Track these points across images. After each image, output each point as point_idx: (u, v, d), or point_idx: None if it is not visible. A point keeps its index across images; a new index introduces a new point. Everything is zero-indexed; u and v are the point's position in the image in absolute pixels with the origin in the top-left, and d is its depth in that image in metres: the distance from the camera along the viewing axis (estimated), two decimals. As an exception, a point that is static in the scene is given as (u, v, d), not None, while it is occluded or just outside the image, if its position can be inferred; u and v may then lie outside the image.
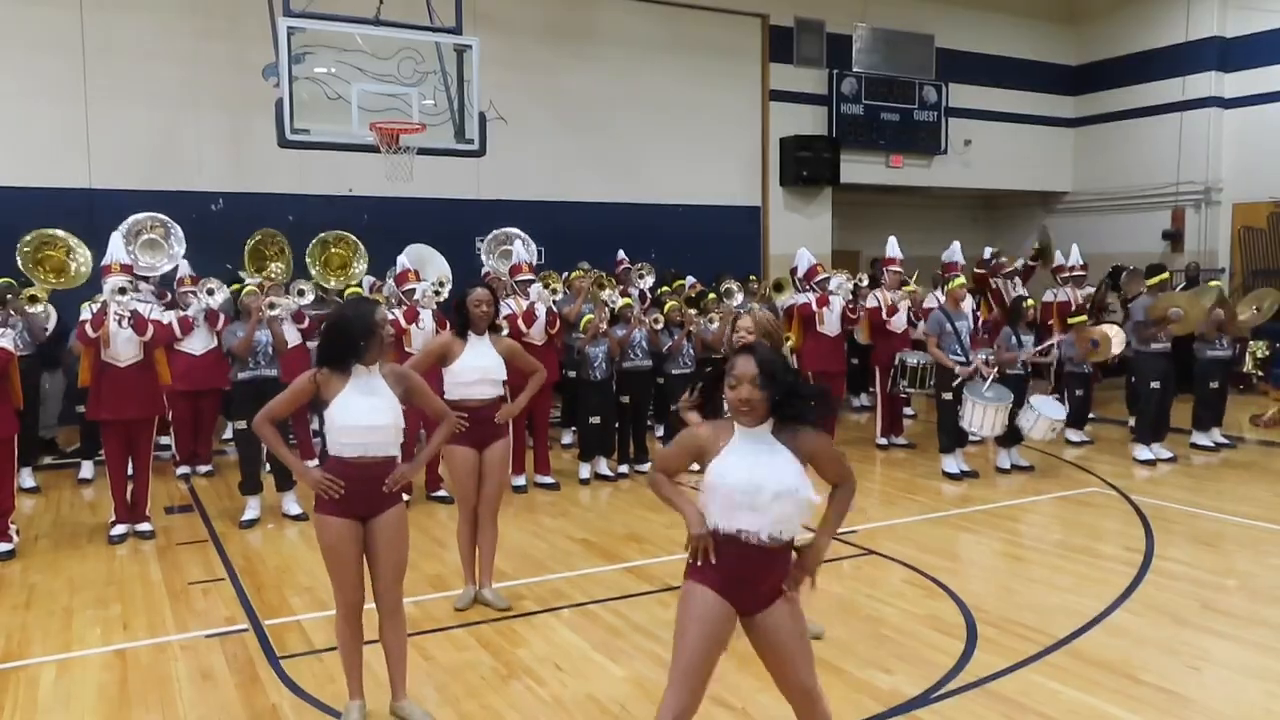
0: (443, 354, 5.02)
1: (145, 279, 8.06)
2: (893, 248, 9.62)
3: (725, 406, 2.93)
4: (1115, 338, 9.20)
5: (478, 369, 4.96)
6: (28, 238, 8.25)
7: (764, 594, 2.87)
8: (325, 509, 3.65)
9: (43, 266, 8.40)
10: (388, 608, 3.80)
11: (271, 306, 6.96)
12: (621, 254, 10.47)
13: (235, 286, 8.96)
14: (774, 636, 2.89)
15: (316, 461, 7.25)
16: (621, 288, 9.37)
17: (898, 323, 9.40)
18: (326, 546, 3.68)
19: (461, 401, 4.92)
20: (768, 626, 2.89)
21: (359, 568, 3.71)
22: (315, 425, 7.79)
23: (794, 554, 2.93)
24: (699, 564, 2.86)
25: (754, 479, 2.78)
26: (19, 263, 8.23)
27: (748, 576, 2.84)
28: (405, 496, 6.88)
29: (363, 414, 3.60)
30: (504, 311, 7.38)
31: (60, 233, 8.45)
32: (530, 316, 7.77)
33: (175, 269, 8.60)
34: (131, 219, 8.58)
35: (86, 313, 6.48)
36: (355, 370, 3.65)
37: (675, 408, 8.10)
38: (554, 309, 8.19)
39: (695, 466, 2.98)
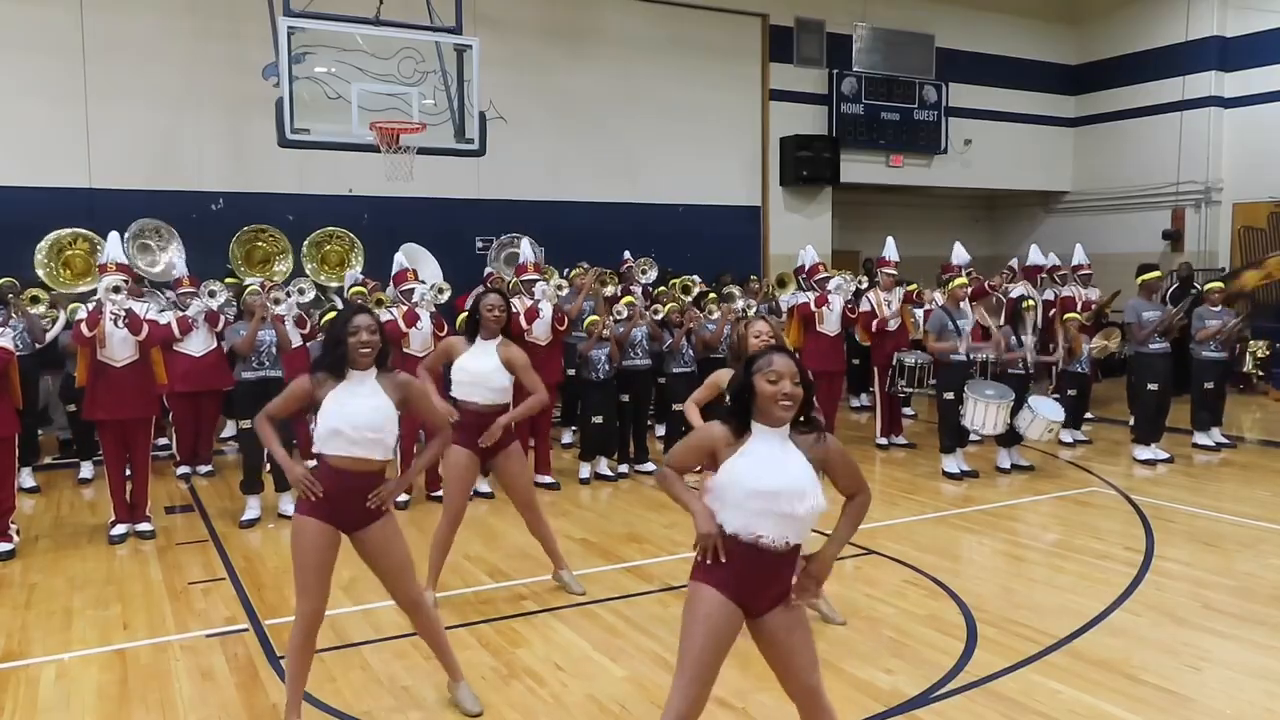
0: (446, 354, 5.11)
1: (141, 281, 8.08)
2: (890, 250, 9.62)
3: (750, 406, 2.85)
4: (1100, 340, 9.27)
5: (470, 371, 4.97)
6: (43, 244, 8.27)
7: (772, 596, 2.85)
8: (304, 509, 3.62)
9: (70, 268, 8.41)
10: (406, 605, 3.81)
11: (276, 303, 6.96)
12: (627, 254, 10.42)
13: (230, 280, 9.01)
14: (782, 638, 2.86)
15: (316, 462, 7.26)
16: (623, 286, 9.37)
17: (892, 322, 9.40)
18: (297, 547, 3.62)
19: (463, 403, 4.99)
20: (776, 628, 2.86)
21: (325, 576, 3.65)
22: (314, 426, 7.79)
23: (801, 561, 2.91)
24: (708, 563, 2.82)
25: (772, 481, 2.74)
26: (38, 266, 8.24)
27: (757, 579, 2.81)
28: (405, 496, 6.94)
29: (349, 414, 3.55)
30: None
31: (84, 232, 8.48)
32: (533, 314, 7.76)
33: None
34: (139, 223, 8.60)
35: (82, 312, 6.48)
36: (350, 375, 3.61)
37: (678, 406, 8.20)
38: (561, 307, 8.19)
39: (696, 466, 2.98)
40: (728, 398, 2.95)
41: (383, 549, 3.70)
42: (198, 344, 7.91)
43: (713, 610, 2.80)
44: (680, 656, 2.85)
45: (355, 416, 3.54)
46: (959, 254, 9.64)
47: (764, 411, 2.81)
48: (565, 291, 8.69)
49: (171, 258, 8.63)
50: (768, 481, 2.74)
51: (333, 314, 7.57)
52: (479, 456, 5.04)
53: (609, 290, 8.73)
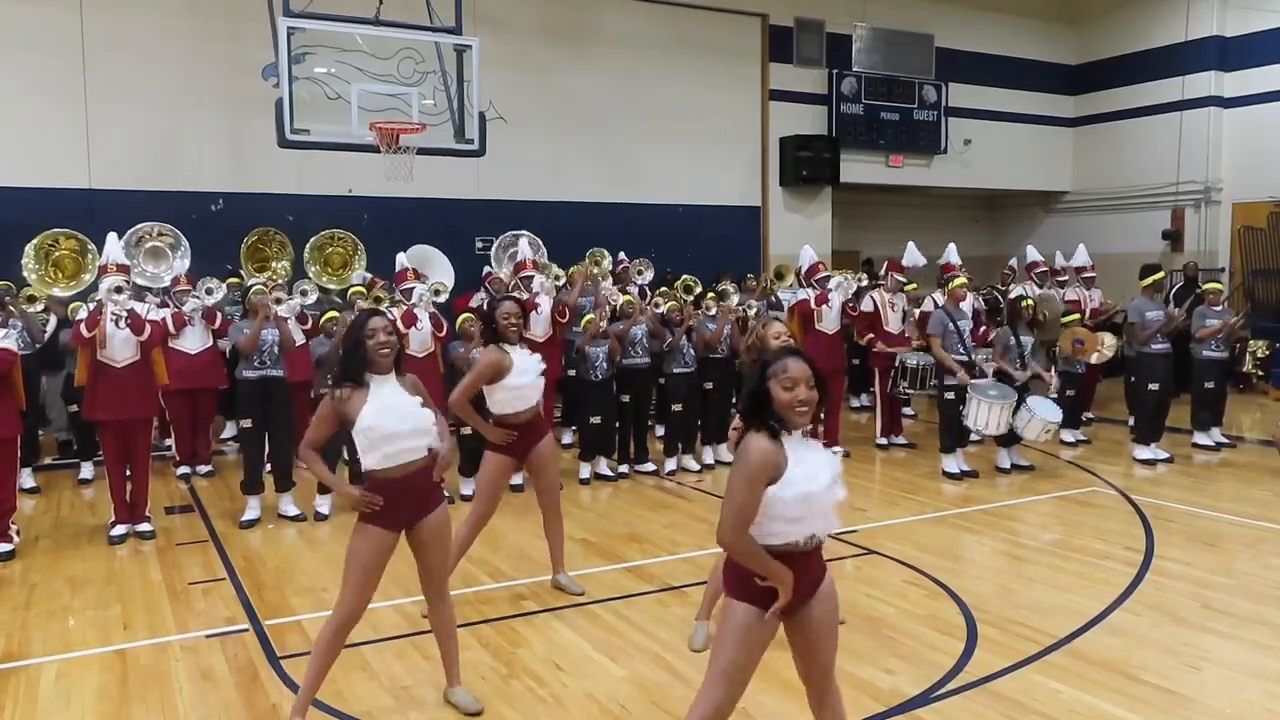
0: (494, 373, 4.92)
1: (149, 289, 8.04)
2: (912, 255, 9.60)
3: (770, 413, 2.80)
4: (1104, 343, 9.21)
5: (523, 383, 4.96)
6: (33, 244, 8.21)
7: (807, 588, 2.84)
8: (370, 519, 3.62)
9: (60, 268, 8.38)
10: (437, 595, 3.85)
11: (278, 303, 6.96)
12: (622, 255, 10.44)
13: (233, 281, 8.99)
14: (816, 627, 2.88)
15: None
16: (620, 285, 9.36)
17: (894, 323, 9.40)
18: (359, 551, 3.61)
19: (511, 416, 4.99)
20: (811, 618, 2.87)
21: (376, 579, 3.68)
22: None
23: None
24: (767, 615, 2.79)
25: (830, 481, 2.75)
26: (26, 261, 8.17)
27: (800, 578, 2.80)
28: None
29: (396, 420, 3.57)
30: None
31: (64, 231, 8.44)
32: (531, 305, 7.74)
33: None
34: (141, 226, 8.56)
35: (83, 312, 6.47)
36: (373, 380, 3.62)
37: (678, 407, 8.20)
38: (562, 300, 8.18)
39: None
40: (743, 404, 2.86)
41: (438, 535, 3.77)
42: (193, 341, 7.92)
43: (751, 623, 2.79)
44: (714, 657, 2.84)
45: (400, 425, 3.58)
46: (951, 254, 9.65)
47: (782, 418, 2.77)
48: (562, 282, 8.67)
49: (182, 266, 8.61)
50: (816, 486, 2.73)
51: (333, 314, 7.58)
52: (517, 459, 5.10)
53: (604, 276, 8.65)
